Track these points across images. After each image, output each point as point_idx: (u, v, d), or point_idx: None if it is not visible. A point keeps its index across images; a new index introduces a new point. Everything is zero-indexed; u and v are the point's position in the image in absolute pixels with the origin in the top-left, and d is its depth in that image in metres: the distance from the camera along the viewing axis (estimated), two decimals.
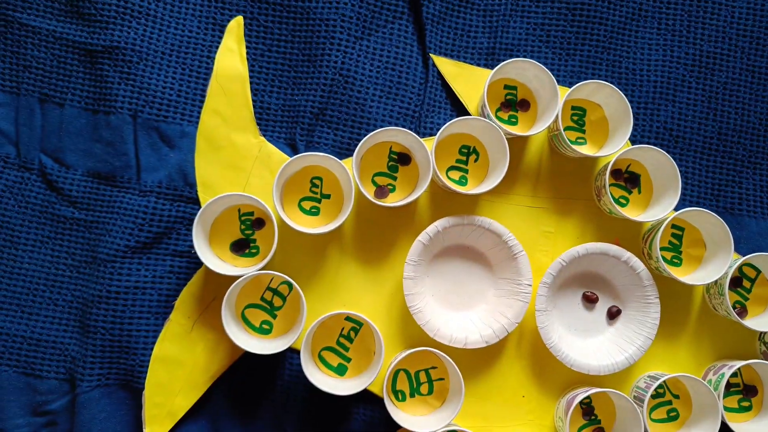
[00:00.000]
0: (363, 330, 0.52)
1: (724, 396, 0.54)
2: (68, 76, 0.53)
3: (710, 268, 0.53)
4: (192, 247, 0.51)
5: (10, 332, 0.51)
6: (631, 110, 0.51)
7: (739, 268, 0.55)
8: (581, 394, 0.51)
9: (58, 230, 0.53)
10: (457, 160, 0.54)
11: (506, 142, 0.51)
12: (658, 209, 0.53)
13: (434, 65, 0.55)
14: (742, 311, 0.55)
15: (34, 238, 0.52)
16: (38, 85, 0.53)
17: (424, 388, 0.52)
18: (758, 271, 0.56)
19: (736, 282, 0.55)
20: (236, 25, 0.54)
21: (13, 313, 0.52)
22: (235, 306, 0.51)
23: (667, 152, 0.53)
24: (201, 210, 0.48)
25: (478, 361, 0.54)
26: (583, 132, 0.56)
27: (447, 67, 0.55)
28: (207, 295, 0.52)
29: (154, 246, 0.52)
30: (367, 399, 0.53)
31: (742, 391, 0.55)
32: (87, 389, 0.50)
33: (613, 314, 0.55)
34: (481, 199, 0.55)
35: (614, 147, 0.53)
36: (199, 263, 0.52)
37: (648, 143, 0.57)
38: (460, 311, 0.54)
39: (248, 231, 0.52)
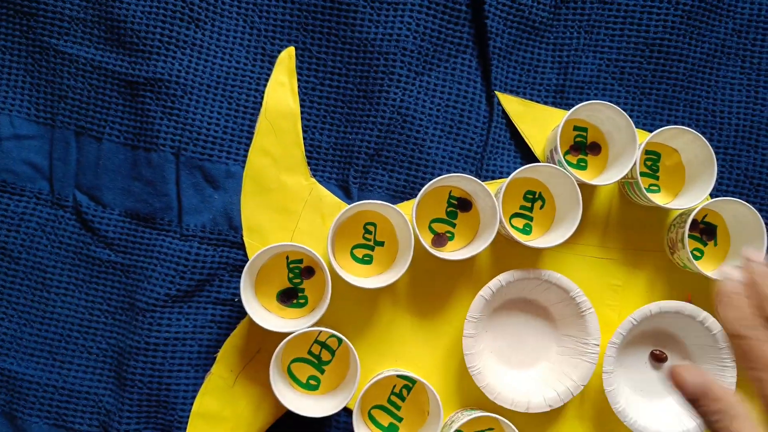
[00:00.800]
0: (416, 388, 0.49)
1: None
2: (107, 108, 0.49)
3: None
4: (235, 294, 0.48)
5: (41, 381, 0.48)
6: (715, 159, 0.47)
7: None
8: None
9: (93, 273, 0.49)
10: (522, 207, 0.51)
11: (579, 191, 0.47)
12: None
13: (499, 103, 0.51)
14: None
15: (68, 281, 0.49)
16: (74, 117, 0.49)
17: None
18: None
19: None
20: (288, 57, 0.50)
21: (45, 361, 0.49)
22: (282, 360, 0.48)
23: (747, 202, 0.49)
24: (250, 261, 0.44)
25: (537, 423, 0.50)
26: (657, 179, 0.52)
27: (513, 105, 0.51)
28: (251, 347, 0.49)
29: (195, 294, 0.48)
30: None
31: None
32: None
33: None
34: (545, 249, 0.51)
35: (695, 198, 0.49)
36: (243, 312, 0.49)
37: (726, 192, 0.53)
38: (521, 370, 0.50)
39: (297, 279, 0.49)
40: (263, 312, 0.47)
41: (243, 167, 0.49)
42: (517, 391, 0.48)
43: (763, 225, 0.48)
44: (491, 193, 0.47)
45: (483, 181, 0.51)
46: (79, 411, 0.48)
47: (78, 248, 0.49)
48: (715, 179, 0.47)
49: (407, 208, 0.49)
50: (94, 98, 0.49)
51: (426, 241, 0.48)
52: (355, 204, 0.46)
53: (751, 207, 0.48)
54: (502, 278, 0.48)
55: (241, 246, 0.49)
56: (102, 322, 0.49)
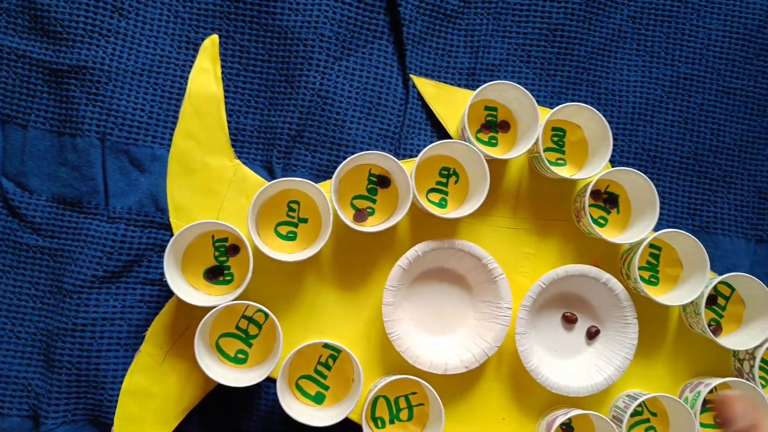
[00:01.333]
0: (341, 357, 0.51)
1: (701, 412, 0.55)
2: (32, 96, 0.51)
3: (687, 288, 0.54)
4: (164, 274, 0.50)
5: None
6: (610, 133, 0.52)
7: (714, 287, 0.56)
8: (561, 416, 0.51)
9: (21, 259, 0.50)
10: (437, 182, 0.54)
11: (486, 165, 0.50)
12: (636, 230, 0.54)
13: (414, 86, 0.54)
14: (717, 329, 0.56)
15: None
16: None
17: (403, 414, 0.52)
18: (733, 289, 0.56)
19: (711, 300, 0.56)
20: (211, 44, 0.52)
21: None
22: (209, 335, 0.50)
23: (645, 172, 0.53)
24: (173, 239, 0.46)
25: (457, 385, 0.53)
26: (563, 153, 0.56)
27: (427, 88, 0.55)
28: (179, 325, 0.50)
29: (123, 275, 0.50)
30: (346, 426, 0.52)
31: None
32: (52, 427, 0.48)
33: (592, 335, 0.55)
34: (460, 221, 0.54)
35: (594, 169, 0.53)
36: (172, 292, 0.50)
37: (626, 163, 0.57)
38: (440, 336, 0.53)
39: (222, 258, 0.51)
40: (190, 289, 0.49)
41: (168, 150, 0.51)
42: (435, 354, 0.51)
43: (656, 193, 0.52)
44: (405, 170, 0.50)
45: (402, 159, 0.54)
46: (8, 395, 0.49)
47: (5, 234, 0.50)
48: (610, 151, 0.52)
49: (329, 187, 0.51)
50: (19, 86, 0.51)
51: (348, 217, 0.51)
52: (274, 181, 0.48)
53: (645, 177, 0.52)
54: (419, 248, 0.51)
55: (168, 227, 0.51)
56: (30, 306, 0.50)
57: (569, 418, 0.54)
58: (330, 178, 0.53)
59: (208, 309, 0.47)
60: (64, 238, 0.50)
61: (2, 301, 0.50)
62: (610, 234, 0.55)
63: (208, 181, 0.51)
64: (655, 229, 0.53)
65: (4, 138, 0.51)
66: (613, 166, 0.56)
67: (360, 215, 0.52)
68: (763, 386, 0.56)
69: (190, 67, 0.52)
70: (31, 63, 0.50)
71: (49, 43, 0.50)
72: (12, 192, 0.50)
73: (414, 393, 0.52)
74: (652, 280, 0.56)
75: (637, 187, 0.54)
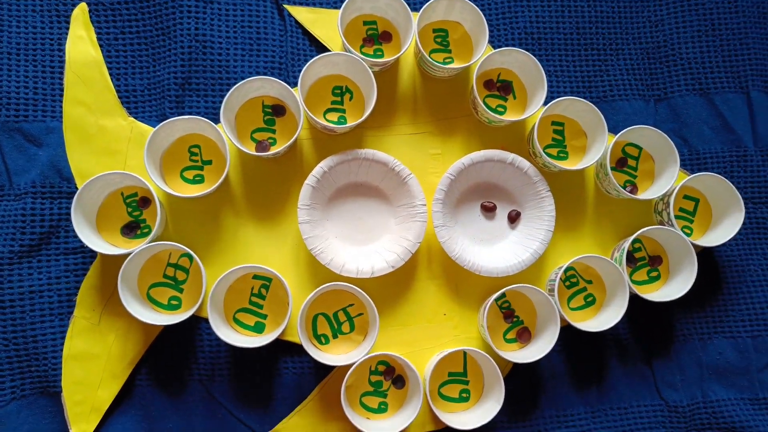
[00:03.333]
0: (273, 285, 0.53)
1: (634, 271, 0.57)
2: None
3: (592, 153, 0.56)
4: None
5: None
6: (483, 17, 0.54)
7: (622, 149, 0.58)
8: (495, 295, 0.53)
9: None
10: (333, 102, 0.56)
11: (371, 71, 0.52)
12: (531, 108, 0.56)
13: (290, 15, 0.56)
14: (634, 188, 0.58)
15: None
16: None
17: (345, 327, 0.53)
18: (640, 149, 0.59)
19: (622, 163, 0.59)
20: (81, 12, 0.54)
21: None
22: (138, 287, 0.51)
23: (534, 54, 0.55)
24: (77, 194, 0.48)
25: (395, 290, 0.55)
26: (449, 52, 0.58)
27: (303, 14, 0.57)
28: (108, 285, 0.52)
29: (42, 247, 0.52)
30: (295, 351, 0.54)
31: (649, 263, 0.58)
32: (2, 404, 0.49)
33: (513, 218, 0.57)
34: (365, 135, 0.56)
35: (477, 56, 0.55)
36: (94, 256, 0.52)
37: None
38: (368, 245, 0.55)
39: (136, 212, 0.52)
40: (108, 246, 0.50)
41: (61, 122, 0.53)
42: (361, 261, 0.53)
43: (540, 67, 0.54)
44: (294, 92, 0.52)
45: (294, 88, 0.55)
46: None
47: None
48: (487, 34, 0.54)
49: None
50: None
51: (250, 149, 0.53)
52: (165, 122, 0.50)
53: (526, 53, 0.55)
54: (323, 164, 0.53)
55: None
56: None
57: (507, 300, 0.56)
58: None
59: (124, 255, 0.48)
60: None
61: None
62: (511, 116, 0.57)
63: (106, 142, 0.53)
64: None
65: None
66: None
67: (261, 146, 0.54)
68: (688, 234, 0.58)
69: (66, 38, 0.54)
70: None
71: None
72: None
73: (351, 305, 0.54)
74: (561, 155, 0.58)
75: (525, 67, 0.57)
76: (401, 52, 0.53)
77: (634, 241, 0.57)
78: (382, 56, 0.57)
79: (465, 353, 0.54)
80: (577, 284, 0.57)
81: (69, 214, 0.52)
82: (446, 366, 0.54)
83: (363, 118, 0.52)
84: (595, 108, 0.55)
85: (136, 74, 0.55)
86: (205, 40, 0.55)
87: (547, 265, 0.57)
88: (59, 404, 0.51)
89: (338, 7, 0.58)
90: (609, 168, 0.55)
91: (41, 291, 0.51)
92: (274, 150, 0.53)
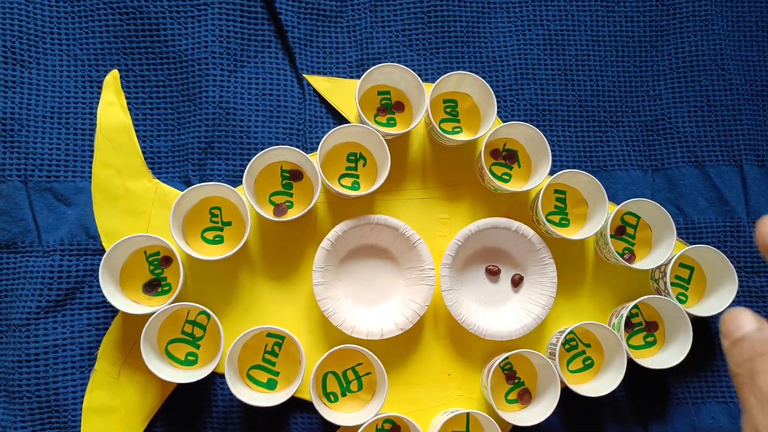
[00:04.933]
0: (286, 343, 0.56)
1: (631, 336, 0.61)
2: None
3: (593, 222, 0.60)
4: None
5: None
6: (492, 92, 0.58)
7: (621, 218, 0.62)
8: (499, 359, 0.56)
9: None
10: (347, 168, 0.59)
11: (384, 141, 0.56)
12: (535, 178, 0.60)
13: (309, 84, 0.60)
14: (631, 256, 0.62)
15: None
16: None
17: (354, 386, 0.56)
18: (638, 218, 0.62)
19: (620, 231, 0.62)
20: (113, 79, 0.58)
21: None
22: (158, 343, 0.54)
23: (537, 126, 0.59)
24: (105, 255, 0.51)
25: (401, 351, 0.58)
26: (458, 122, 0.62)
27: (321, 84, 0.61)
28: (128, 340, 0.55)
29: (67, 303, 0.55)
30: (305, 407, 0.57)
31: (645, 328, 0.61)
32: None
33: (516, 282, 0.60)
34: (376, 200, 0.60)
35: (485, 129, 0.59)
36: (116, 311, 0.55)
37: (520, 119, 0.63)
38: (376, 306, 0.58)
39: (157, 270, 0.55)
40: (131, 303, 0.53)
41: (90, 182, 0.56)
42: (371, 323, 0.56)
43: (545, 139, 0.58)
44: (311, 159, 0.55)
45: (310, 153, 0.59)
46: None
47: None
48: (495, 108, 0.58)
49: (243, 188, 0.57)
50: None
51: (268, 213, 0.56)
52: (191, 188, 0.54)
53: (531, 126, 0.59)
54: (338, 228, 0.56)
55: (103, 252, 0.56)
56: None
57: (509, 362, 0.59)
58: None
59: (147, 314, 0.51)
60: (5, 278, 0.55)
61: None
62: (516, 187, 0.61)
63: (132, 203, 0.56)
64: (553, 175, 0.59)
65: None
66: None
67: (279, 210, 0.57)
68: (683, 301, 0.61)
69: (97, 103, 0.58)
70: None
71: None
72: None
73: (360, 364, 0.57)
74: (563, 222, 0.62)
75: (530, 139, 0.60)
76: (414, 124, 0.57)
77: (632, 307, 0.60)
78: (394, 124, 0.61)
79: (468, 415, 0.57)
80: (576, 347, 0.60)
81: (93, 270, 0.56)
82: (450, 426, 0.57)
83: (377, 186, 0.56)
84: (597, 181, 0.58)
85: (161, 137, 0.59)
86: (228, 107, 0.58)
87: (547, 327, 0.61)
88: None
89: (354, 77, 0.62)
90: (609, 237, 0.58)
91: (64, 345, 0.54)
92: (292, 216, 0.56)
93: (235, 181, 0.59)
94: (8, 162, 0.55)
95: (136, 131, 0.58)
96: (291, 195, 0.58)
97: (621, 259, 0.59)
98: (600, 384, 0.58)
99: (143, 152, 0.58)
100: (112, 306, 0.56)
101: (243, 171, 0.59)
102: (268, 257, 0.58)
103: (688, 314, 0.58)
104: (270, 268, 0.58)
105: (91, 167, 0.57)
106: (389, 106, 0.61)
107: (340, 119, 0.61)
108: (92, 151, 0.57)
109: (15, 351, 0.53)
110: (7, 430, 0.53)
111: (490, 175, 0.58)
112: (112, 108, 0.58)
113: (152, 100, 0.59)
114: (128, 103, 0.58)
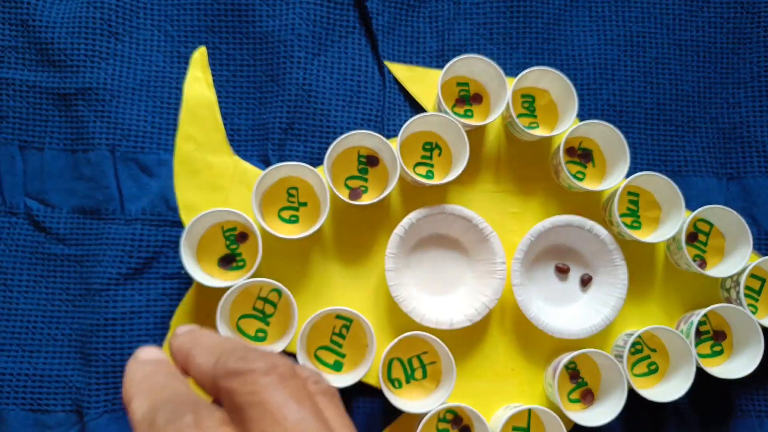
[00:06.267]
0: (354, 326, 0.57)
1: (697, 344, 0.60)
2: (45, 121, 0.57)
3: (666, 226, 0.59)
4: (181, 268, 0.55)
5: (14, 372, 0.55)
6: (574, 90, 0.58)
7: (694, 224, 0.61)
8: (565, 358, 0.56)
9: (50, 268, 0.56)
10: (422, 156, 0.60)
11: (464, 133, 0.56)
12: (611, 179, 0.60)
13: (389, 72, 0.61)
14: (702, 263, 0.61)
15: (27, 278, 0.56)
16: (17, 133, 0.57)
17: (418, 374, 0.57)
18: (711, 225, 0.62)
19: (692, 237, 0.62)
20: (200, 56, 0.59)
21: (15, 353, 0.55)
22: (229, 318, 0.55)
23: (615, 125, 0.59)
24: (186, 228, 0.52)
25: (466, 342, 0.58)
26: (535, 117, 0.62)
27: (401, 72, 0.61)
28: (201, 312, 0.56)
29: (145, 271, 0.56)
30: (366, 391, 0.58)
31: (713, 337, 0.60)
32: (95, 416, 0.53)
33: (585, 282, 0.60)
34: (449, 189, 0.60)
35: (563, 126, 0.59)
36: (189, 283, 0.56)
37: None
38: (443, 296, 0.59)
39: (233, 246, 0.56)
40: (207, 276, 0.55)
41: (172, 155, 0.57)
42: (440, 313, 0.57)
43: (624, 140, 0.58)
44: (391, 146, 0.56)
45: (387, 139, 0.60)
46: (51, 394, 0.55)
47: (33, 248, 0.56)
48: (576, 107, 0.58)
49: (323, 171, 0.57)
50: (32, 114, 0.57)
51: (343, 196, 0.57)
52: (273, 167, 0.55)
53: (612, 126, 0.59)
54: (412, 216, 0.57)
55: (180, 224, 0.57)
56: (63, 310, 0.56)
57: (573, 361, 0.59)
58: (322, 164, 0.59)
59: (225, 292, 0.52)
60: (88, 243, 0.56)
61: (38, 309, 0.56)
62: (589, 186, 0.61)
63: (211, 178, 0.57)
64: (629, 177, 0.59)
65: (24, 162, 0.57)
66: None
67: (354, 194, 0.58)
68: (753, 312, 0.60)
69: (184, 78, 0.59)
70: (41, 91, 0.57)
71: (55, 71, 0.57)
72: (36, 209, 0.56)
73: (425, 352, 0.57)
74: (635, 224, 0.62)
75: (607, 138, 0.60)
76: (494, 117, 0.58)
77: (703, 315, 0.59)
78: (472, 116, 0.62)
79: (530, 411, 0.57)
80: (642, 351, 0.60)
81: (170, 241, 0.57)
82: (511, 421, 0.57)
83: (454, 175, 0.56)
84: (675, 185, 0.58)
85: (242, 115, 0.60)
86: (311, 89, 0.59)
87: (613, 329, 0.60)
88: None
89: (432, 67, 0.63)
90: (684, 243, 0.58)
91: (140, 312, 0.55)
92: (368, 200, 0.57)
93: (312, 162, 0.60)
94: (98, 131, 0.57)
95: (220, 108, 0.59)
96: (366, 180, 0.59)
97: (695, 265, 0.58)
98: (665, 389, 0.58)
99: (225, 129, 0.59)
100: (185, 278, 0.57)
101: (321, 153, 0.59)
102: (339, 240, 0.59)
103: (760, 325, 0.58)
104: (341, 251, 0.58)
105: (174, 141, 0.58)
106: (467, 97, 0.62)
107: (417, 108, 0.62)
108: (176, 125, 0.58)
109: (94, 315, 0.55)
110: (81, 391, 0.54)
111: (567, 173, 0.58)
112: (198, 84, 0.59)
113: (236, 79, 0.60)
114: (213, 80, 0.60)
